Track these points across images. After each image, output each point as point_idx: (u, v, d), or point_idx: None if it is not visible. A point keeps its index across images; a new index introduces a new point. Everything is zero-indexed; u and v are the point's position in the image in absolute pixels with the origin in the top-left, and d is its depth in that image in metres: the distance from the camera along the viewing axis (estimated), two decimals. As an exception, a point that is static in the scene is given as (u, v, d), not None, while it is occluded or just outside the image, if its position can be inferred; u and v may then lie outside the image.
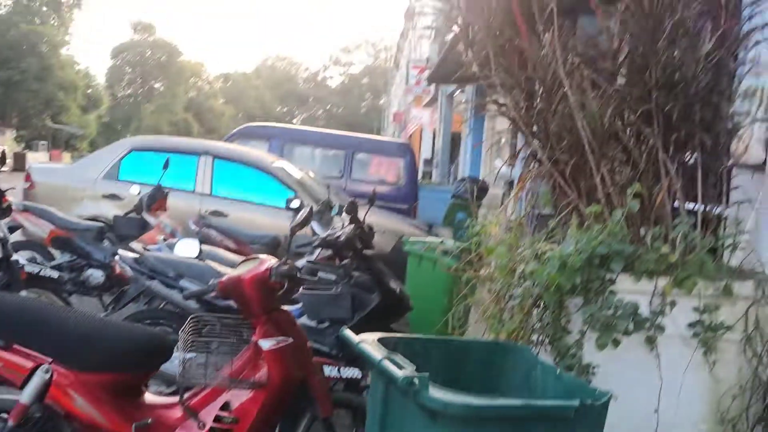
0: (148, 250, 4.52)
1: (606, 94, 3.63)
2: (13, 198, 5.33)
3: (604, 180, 3.65)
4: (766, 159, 3.93)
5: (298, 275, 3.00)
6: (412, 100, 34.06)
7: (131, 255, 4.01)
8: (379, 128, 79.41)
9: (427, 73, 23.57)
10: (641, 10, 3.53)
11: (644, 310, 3.16)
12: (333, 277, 4.00)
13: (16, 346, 2.71)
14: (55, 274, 4.68)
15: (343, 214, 6.10)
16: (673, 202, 3.64)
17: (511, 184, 13.17)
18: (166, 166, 6.18)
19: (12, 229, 5.61)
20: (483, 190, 12.74)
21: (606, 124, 3.61)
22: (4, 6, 40.31)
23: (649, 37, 3.53)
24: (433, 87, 23.41)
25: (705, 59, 3.51)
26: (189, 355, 2.84)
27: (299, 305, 4.03)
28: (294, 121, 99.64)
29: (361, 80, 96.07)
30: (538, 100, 3.91)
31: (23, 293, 4.52)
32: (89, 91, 43.36)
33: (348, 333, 2.58)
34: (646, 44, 3.57)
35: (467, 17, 4.29)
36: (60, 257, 6.04)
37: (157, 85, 53.02)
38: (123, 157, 7.43)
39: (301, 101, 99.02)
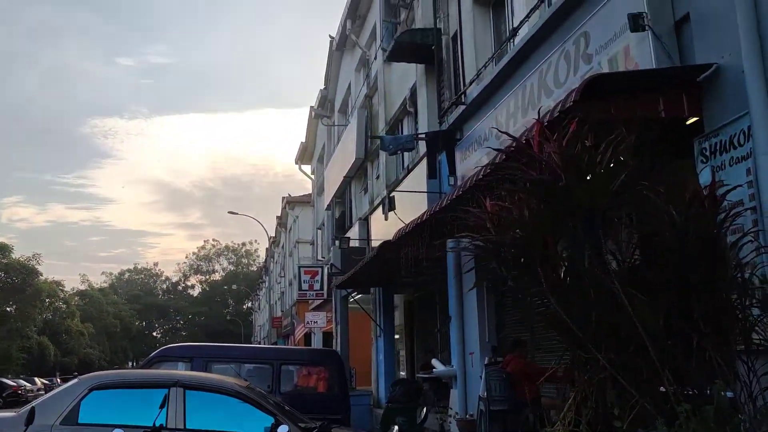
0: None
1: (654, 302, 4.08)
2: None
3: (668, 379, 3.98)
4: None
5: None
6: (295, 304, 34.14)
7: None
8: (249, 334, 77.62)
9: (318, 277, 24.10)
10: (671, 228, 4.12)
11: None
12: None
13: None
14: None
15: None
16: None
17: (439, 381, 13.35)
18: (163, 404, 5.78)
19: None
20: (418, 391, 12.81)
21: (661, 328, 4.01)
22: None
23: (679, 251, 4.10)
24: (325, 291, 23.81)
25: (739, 264, 4.12)
26: None
27: None
28: (154, 334, 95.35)
29: (223, 287, 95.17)
30: (589, 308, 4.26)
31: None
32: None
33: None
34: (677, 257, 4.13)
35: (498, 238, 4.68)
36: None
37: (8, 309, 49.10)
38: (82, 398, 6.84)
39: (162, 313, 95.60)
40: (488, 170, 6.72)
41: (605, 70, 6.57)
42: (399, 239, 10.06)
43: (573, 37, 7.20)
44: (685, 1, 5.87)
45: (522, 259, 4.61)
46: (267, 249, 53.16)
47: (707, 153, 5.53)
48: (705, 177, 5.50)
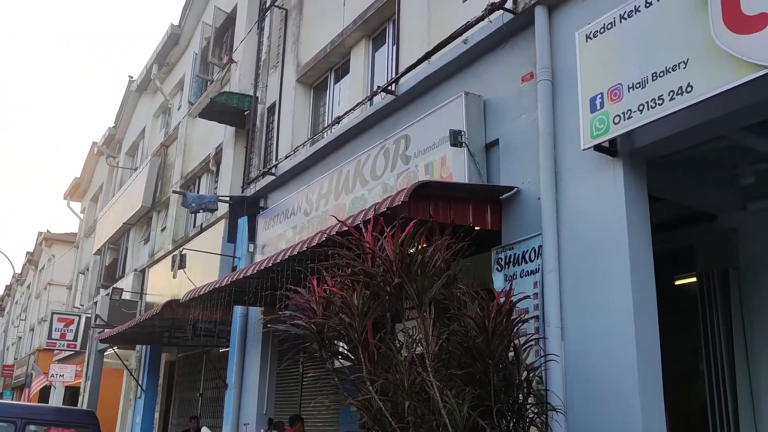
0: None
1: (461, 396, 4.52)
2: None
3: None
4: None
5: None
6: (35, 353, 30.64)
7: None
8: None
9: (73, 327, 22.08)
10: (482, 329, 4.65)
11: None
12: None
13: None
14: None
15: None
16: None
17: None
18: None
19: None
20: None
21: (465, 417, 4.45)
22: None
23: (488, 352, 4.64)
24: (79, 342, 21.87)
25: (527, 367, 4.74)
26: None
27: None
28: None
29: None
30: (402, 397, 4.58)
31: None
32: None
33: None
34: (485, 357, 4.65)
35: (321, 321, 4.88)
36: None
37: None
38: None
39: None
40: (304, 248, 6.95)
41: (421, 173, 7.23)
42: (191, 300, 9.77)
43: (394, 137, 7.83)
44: (496, 128, 6.75)
45: (343, 344, 4.85)
46: (7, 286, 47.40)
47: (502, 263, 6.30)
48: (498, 283, 6.25)
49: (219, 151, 14.23)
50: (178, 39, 18.11)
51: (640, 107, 4.92)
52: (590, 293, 5.46)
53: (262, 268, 7.77)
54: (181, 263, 11.68)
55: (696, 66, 4.57)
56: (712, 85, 4.44)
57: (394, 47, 8.99)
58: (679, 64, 4.68)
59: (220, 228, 12.40)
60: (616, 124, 5.11)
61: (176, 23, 18.10)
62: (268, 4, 12.68)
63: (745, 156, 6.55)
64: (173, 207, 16.12)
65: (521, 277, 6.08)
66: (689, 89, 4.58)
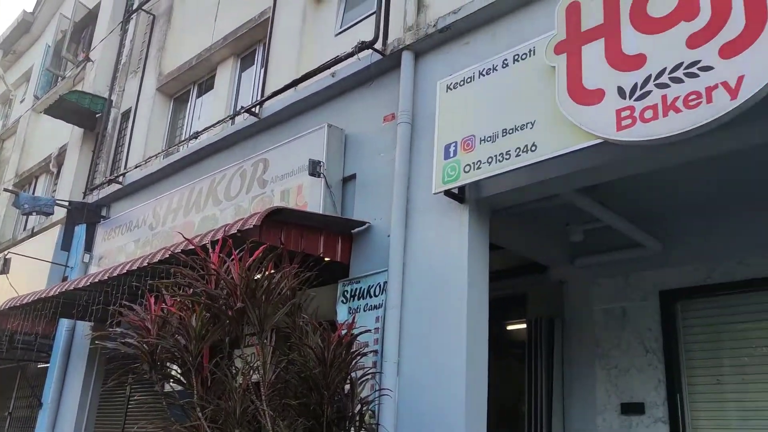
0: None
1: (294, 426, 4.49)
2: None
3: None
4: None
5: None
6: None
7: None
8: None
9: None
10: (321, 360, 4.66)
11: None
12: None
13: None
14: None
15: None
16: None
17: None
18: None
19: None
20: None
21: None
22: None
23: (324, 384, 4.65)
24: None
25: (361, 401, 4.79)
26: None
27: None
28: None
29: None
30: (233, 425, 4.46)
31: None
32: None
33: None
34: (321, 388, 4.66)
35: (155, 341, 4.67)
36: None
37: None
38: None
39: None
40: (145, 263, 6.64)
41: (277, 198, 7.18)
42: (11, 309, 8.96)
43: (253, 159, 7.74)
44: (355, 163, 6.87)
45: (176, 367, 4.66)
46: None
47: (347, 295, 6.37)
48: (342, 315, 6.30)
49: (63, 152, 13.32)
50: (30, 27, 16.88)
51: (489, 159, 5.23)
52: (428, 332, 5.64)
53: (96, 280, 7.32)
54: (4, 268, 10.72)
55: (541, 128, 4.94)
56: (553, 148, 4.81)
57: (262, 70, 8.94)
58: (527, 123, 5.03)
59: (54, 234, 11.56)
60: (466, 172, 5.38)
61: (30, 10, 16.89)
62: (135, 6, 12.19)
63: (575, 215, 7.13)
64: (2, 206, 14.82)
65: (365, 311, 6.17)
66: (533, 148, 4.93)
